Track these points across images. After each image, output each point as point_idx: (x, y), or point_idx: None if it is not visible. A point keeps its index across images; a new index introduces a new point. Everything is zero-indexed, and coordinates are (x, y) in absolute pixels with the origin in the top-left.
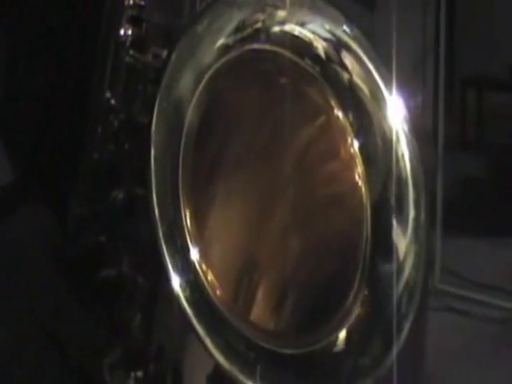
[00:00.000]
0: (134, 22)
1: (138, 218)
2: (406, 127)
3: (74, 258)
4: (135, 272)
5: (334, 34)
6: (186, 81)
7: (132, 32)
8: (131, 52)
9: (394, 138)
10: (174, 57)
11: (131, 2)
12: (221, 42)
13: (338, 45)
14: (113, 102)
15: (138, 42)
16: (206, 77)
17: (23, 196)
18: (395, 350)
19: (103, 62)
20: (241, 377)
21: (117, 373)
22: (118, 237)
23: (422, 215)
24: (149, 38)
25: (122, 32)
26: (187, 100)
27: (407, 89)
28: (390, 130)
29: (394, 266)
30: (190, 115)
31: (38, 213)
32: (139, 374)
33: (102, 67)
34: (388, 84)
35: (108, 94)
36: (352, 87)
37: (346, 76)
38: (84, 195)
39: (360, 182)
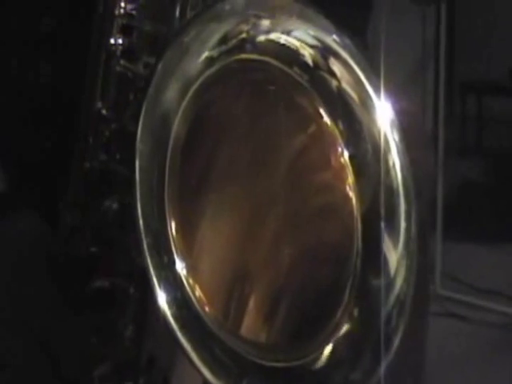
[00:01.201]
0: (125, 31)
1: (130, 228)
2: (397, 136)
3: (65, 268)
4: (127, 283)
5: (320, 41)
6: (172, 91)
7: (123, 41)
8: (122, 61)
9: (383, 142)
10: (160, 67)
11: (122, 11)
12: (205, 55)
13: (325, 51)
14: (104, 111)
15: (129, 52)
16: (193, 88)
17: (14, 205)
18: (383, 364)
19: (94, 71)
20: None
21: (106, 383)
22: (109, 247)
23: (413, 227)
24: (139, 47)
25: (112, 41)
26: (174, 111)
27: (400, 96)
28: (380, 138)
29: (382, 280)
30: (177, 126)
31: (29, 222)
32: None
33: (93, 77)
34: (378, 92)
35: (99, 104)
36: (341, 94)
37: (334, 83)
38: (75, 204)
39: (350, 193)
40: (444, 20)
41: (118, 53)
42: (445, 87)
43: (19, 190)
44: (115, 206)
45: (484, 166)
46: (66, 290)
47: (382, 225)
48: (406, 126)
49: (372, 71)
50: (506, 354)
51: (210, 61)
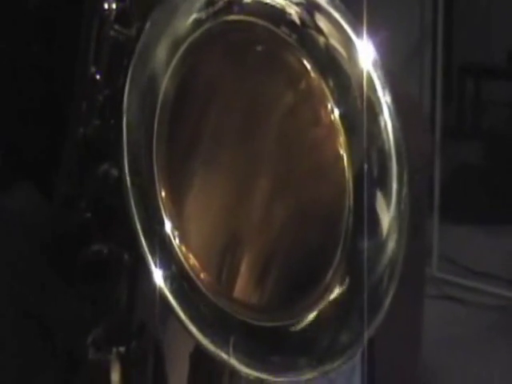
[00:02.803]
0: None
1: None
2: (388, 98)
3: (60, 236)
4: (121, 249)
5: None
6: (161, 52)
7: (116, 6)
8: (116, 26)
9: (368, 92)
10: (148, 27)
11: None
12: (193, 16)
13: (310, 7)
14: (98, 76)
15: (123, 16)
16: (181, 49)
17: (7, 174)
18: (366, 334)
19: (87, 36)
20: (212, 347)
21: (99, 348)
22: (103, 213)
23: (405, 189)
24: (133, 11)
25: (106, 6)
26: (162, 71)
27: (396, 78)
28: (369, 95)
29: (366, 238)
30: (165, 88)
31: (23, 190)
32: (121, 349)
33: (87, 42)
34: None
35: (93, 69)
36: (329, 50)
37: (322, 40)
38: (69, 172)
39: (342, 151)
40: (442, 3)
41: (112, 17)
42: (443, 70)
43: (12, 159)
44: (109, 172)
45: (482, 149)
46: (59, 257)
47: (376, 183)
48: (403, 109)
49: (356, 20)
50: (503, 336)
51: (198, 22)
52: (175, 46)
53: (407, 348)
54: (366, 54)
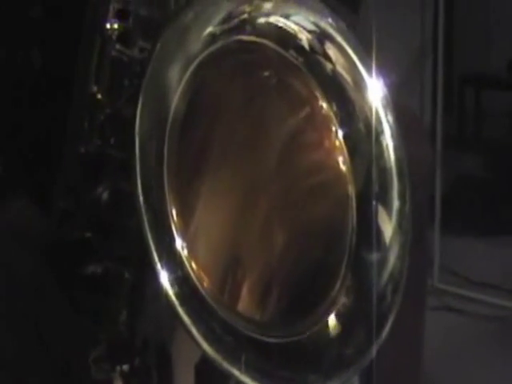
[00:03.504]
0: (121, 15)
1: (124, 213)
2: (390, 118)
3: (59, 253)
4: (122, 267)
5: (318, 26)
6: (171, 71)
7: (118, 26)
8: (117, 46)
9: (374, 119)
10: (159, 46)
11: None
12: (208, 30)
13: (322, 36)
14: (99, 96)
15: (125, 36)
16: (192, 67)
17: (7, 189)
18: (374, 343)
19: (89, 55)
20: (225, 364)
21: (102, 366)
22: (103, 231)
23: (407, 206)
24: (135, 31)
25: (108, 26)
26: (172, 90)
27: (391, 77)
28: (373, 117)
29: (375, 255)
30: (175, 106)
31: (22, 206)
32: (125, 367)
33: (88, 61)
34: (371, 73)
35: (94, 88)
36: (335, 77)
37: (329, 66)
38: (69, 189)
39: (345, 172)
40: (442, 13)
41: (114, 37)
42: (443, 81)
43: (13, 175)
44: (109, 190)
45: (482, 159)
46: (59, 274)
47: (378, 202)
48: (403, 119)
49: (366, 54)
50: (504, 347)
51: (213, 37)
52: (186, 63)
53: (408, 358)
54: (375, 90)
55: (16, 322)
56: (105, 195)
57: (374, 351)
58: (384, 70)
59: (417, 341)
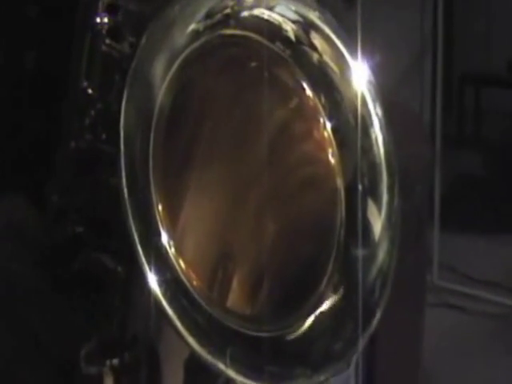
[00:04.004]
0: (111, 10)
1: (117, 208)
2: (379, 111)
3: (52, 248)
4: (114, 262)
5: (302, 16)
6: (156, 66)
7: (108, 20)
8: (107, 41)
9: (360, 105)
10: (144, 41)
11: None
12: (191, 27)
13: (306, 26)
14: (90, 91)
15: (115, 31)
16: (177, 62)
17: (0, 186)
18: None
19: (79, 50)
20: (210, 358)
21: (93, 361)
22: (96, 226)
23: (396, 200)
24: (125, 26)
25: (98, 20)
26: (158, 84)
27: (395, 89)
28: (362, 108)
29: (360, 248)
30: (161, 101)
31: (15, 203)
32: (115, 361)
33: (79, 56)
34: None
35: (85, 84)
36: (322, 67)
37: (315, 56)
38: (62, 185)
39: (334, 165)
40: (442, 10)
41: (104, 32)
42: (443, 80)
43: (4, 171)
44: (102, 185)
45: (482, 158)
46: (51, 270)
47: (367, 195)
48: (403, 119)
49: (351, 42)
50: (504, 344)
51: (196, 34)
52: (171, 59)
53: (407, 356)
54: (359, 72)
55: (9, 317)
56: (97, 190)
57: (360, 345)
58: (369, 54)
59: (416, 338)
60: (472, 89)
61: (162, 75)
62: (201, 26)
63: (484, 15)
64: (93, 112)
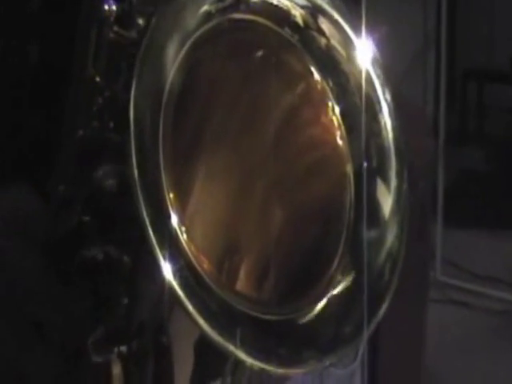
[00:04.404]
0: None
1: (123, 196)
2: (388, 96)
3: (58, 237)
4: (121, 251)
5: (310, 1)
6: (167, 47)
7: (116, 8)
8: (115, 28)
9: (364, 80)
10: (155, 22)
11: None
12: (204, 8)
13: (314, 11)
14: (97, 79)
15: (123, 18)
16: (188, 43)
17: (4, 175)
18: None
19: (87, 38)
20: (220, 340)
21: (100, 349)
22: (102, 216)
23: (405, 186)
24: (133, 13)
25: (106, 7)
26: (168, 67)
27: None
28: (369, 94)
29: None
30: (170, 84)
31: (20, 193)
32: (123, 348)
33: (86, 43)
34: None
35: (92, 71)
36: (329, 51)
37: (323, 41)
38: (67, 174)
39: (342, 149)
40: (445, 8)
41: (112, 19)
42: (446, 75)
43: (9, 160)
44: (108, 174)
45: (485, 153)
46: (57, 260)
47: (376, 179)
48: (407, 114)
49: (357, 23)
50: (506, 340)
51: (208, 15)
52: (183, 39)
53: (411, 351)
54: (364, 52)
55: (14, 308)
56: (104, 179)
57: (365, 333)
58: (375, 32)
59: (419, 333)
60: (475, 85)
61: (172, 56)
62: (213, 8)
63: (487, 12)
64: (100, 100)
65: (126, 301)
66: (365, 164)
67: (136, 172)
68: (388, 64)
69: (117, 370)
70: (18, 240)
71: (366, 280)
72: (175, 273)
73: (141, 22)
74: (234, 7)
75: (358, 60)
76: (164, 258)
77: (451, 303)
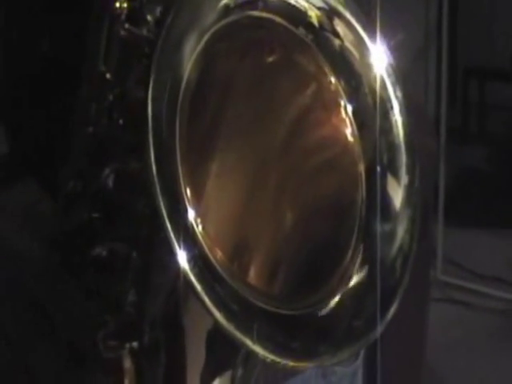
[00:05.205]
0: None
1: (132, 193)
2: (399, 94)
3: (67, 234)
4: (129, 247)
5: (326, 3)
6: (184, 41)
7: (127, 5)
8: (126, 25)
9: (379, 87)
10: (172, 17)
11: None
12: (223, 2)
13: (330, 12)
14: (108, 76)
15: (134, 15)
16: (206, 37)
17: (14, 171)
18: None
19: (97, 35)
20: (237, 333)
21: (111, 344)
22: (111, 212)
23: (416, 182)
24: (144, 10)
25: (117, 4)
26: (185, 61)
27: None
28: (380, 92)
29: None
30: (187, 78)
31: (30, 188)
32: (134, 344)
33: (97, 40)
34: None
35: (103, 68)
36: (343, 52)
37: (337, 42)
38: (77, 170)
39: (354, 147)
40: (446, 6)
41: (123, 16)
42: (447, 73)
43: (19, 156)
44: (117, 171)
45: (486, 151)
46: (67, 257)
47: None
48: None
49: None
50: (507, 339)
51: (227, 10)
52: (201, 33)
53: (411, 351)
54: (379, 56)
55: (24, 304)
56: (112, 176)
57: (378, 328)
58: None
59: (420, 333)
60: (476, 83)
61: (189, 51)
62: (232, 2)
63: (488, 10)
64: (110, 97)
65: (136, 297)
66: (378, 168)
67: (154, 167)
68: (395, 59)
69: (128, 364)
70: (28, 236)
71: (378, 274)
72: (192, 266)
73: (151, 18)
74: (253, 4)
75: (372, 61)
76: (179, 247)
77: (452, 302)
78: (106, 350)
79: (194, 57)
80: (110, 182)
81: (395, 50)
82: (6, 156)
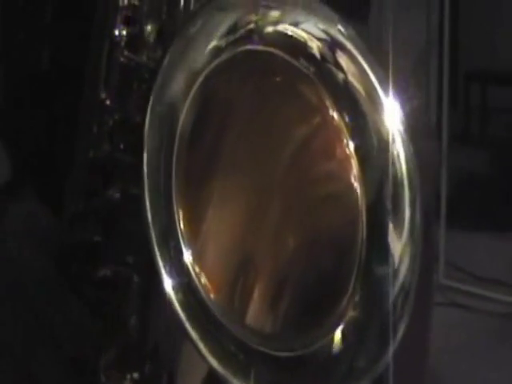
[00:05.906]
0: (129, 22)
1: (134, 217)
2: (401, 128)
3: (69, 256)
4: (131, 271)
5: (328, 34)
6: (179, 83)
7: (127, 32)
8: (126, 52)
9: (390, 139)
10: (167, 59)
11: (126, 2)
12: (213, 44)
13: (332, 44)
14: (108, 101)
15: (133, 43)
16: (199, 79)
17: (19, 193)
18: (390, 351)
19: (98, 61)
20: (235, 380)
21: (112, 374)
22: (113, 235)
23: (418, 216)
24: (143, 38)
25: (116, 32)
26: (180, 103)
27: (404, 88)
28: (386, 131)
29: (390, 270)
30: (184, 118)
31: (33, 210)
32: (135, 375)
33: (97, 67)
34: (384, 85)
35: (103, 94)
36: (347, 87)
37: (340, 76)
38: (79, 193)
39: (355, 183)
40: (448, 9)
41: (122, 44)
42: (449, 76)
43: (23, 180)
44: (119, 194)
45: (488, 156)
46: (70, 278)
47: (389, 213)
48: (410, 116)
49: (377, 63)
50: (509, 343)
51: (218, 51)
52: (193, 77)
53: (414, 354)
54: (391, 111)
55: (28, 324)
56: (114, 199)
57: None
58: (396, 82)
59: (423, 338)
60: (478, 87)
61: (184, 92)
62: (223, 43)
63: (490, 13)
64: (110, 122)
65: (137, 322)
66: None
67: (147, 197)
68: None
69: None
70: (32, 256)
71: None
72: (183, 303)
73: (149, 48)
74: (247, 39)
75: (376, 98)
76: (173, 289)
77: (454, 306)
78: (107, 379)
79: (189, 98)
80: (112, 205)
81: (406, 103)
82: (9, 178)
